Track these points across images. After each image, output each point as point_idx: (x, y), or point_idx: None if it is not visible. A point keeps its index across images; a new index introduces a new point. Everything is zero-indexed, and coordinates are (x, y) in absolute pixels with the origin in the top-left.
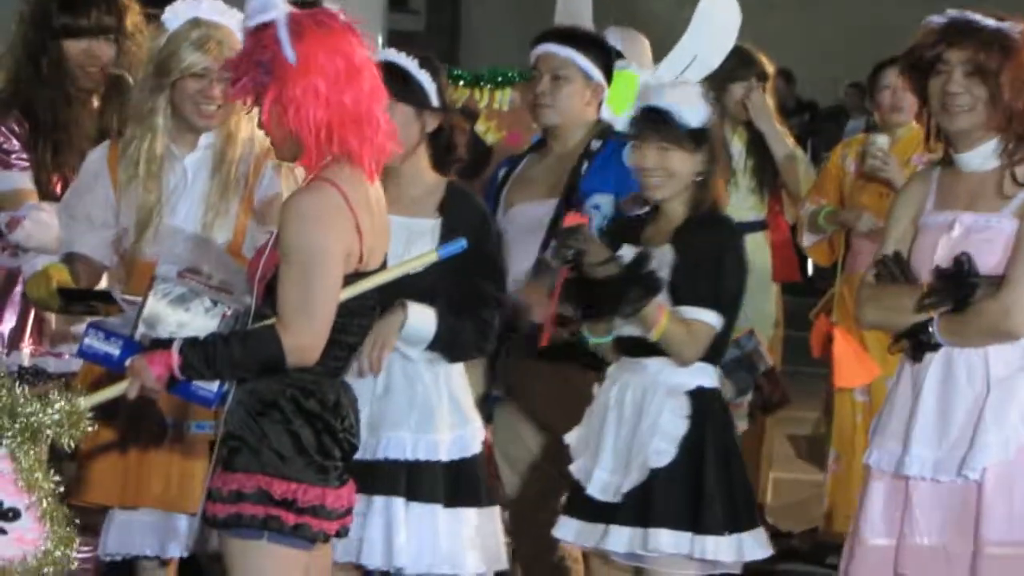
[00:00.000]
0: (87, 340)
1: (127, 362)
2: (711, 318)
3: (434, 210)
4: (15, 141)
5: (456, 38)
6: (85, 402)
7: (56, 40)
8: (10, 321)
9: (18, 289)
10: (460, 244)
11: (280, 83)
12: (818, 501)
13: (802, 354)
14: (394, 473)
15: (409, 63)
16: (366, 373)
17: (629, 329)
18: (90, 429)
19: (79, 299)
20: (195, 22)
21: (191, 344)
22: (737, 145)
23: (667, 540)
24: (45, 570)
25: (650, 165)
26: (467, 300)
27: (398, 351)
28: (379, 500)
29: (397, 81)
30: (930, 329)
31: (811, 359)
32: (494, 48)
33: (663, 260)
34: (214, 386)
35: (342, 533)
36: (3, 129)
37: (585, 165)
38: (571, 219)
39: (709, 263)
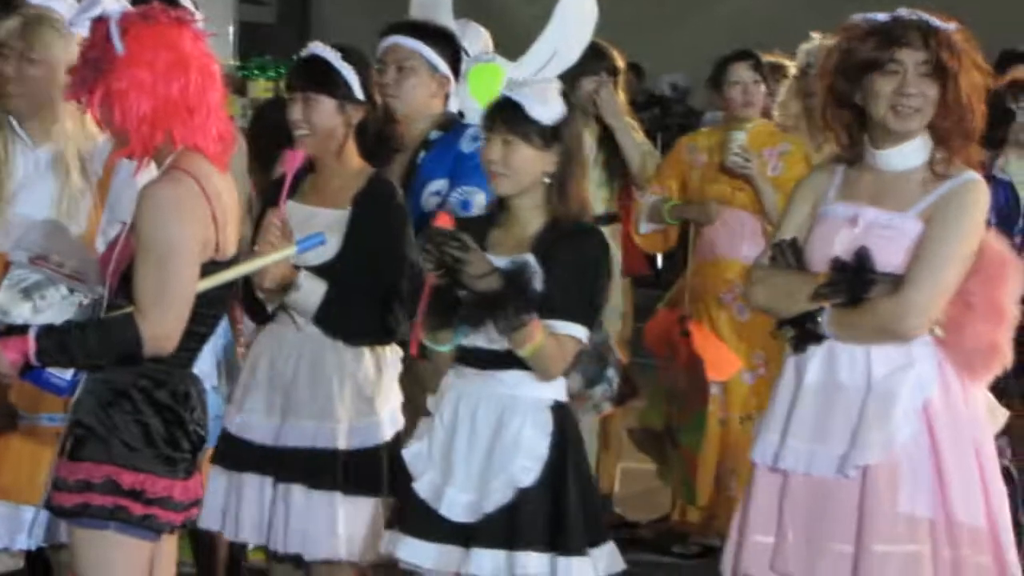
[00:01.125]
0: None
1: None
2: (580, 332)
3: (348, 202)
4: None
5: (306, 30)
6: None
7: None
8: None
9: None
10: (319, 238)
11: (107, 78)
12: (663, 491)
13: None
14: (294, 460)
15: (331, 55)
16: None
17: (483, 340)
18: None
19: None
20: (25, 5)
21: (47, 331)
22: (588, 140)
23: (534, 563)
24: None
25: (493, 157)
26: (370, 290)
27: (294, 323)
28: (281, 487)
29: (318, 73)
30: (818, 319)
31: (663, 352)
32: (345, 41)
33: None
34: (67, 374)
35: (188, 525)
36: None
37: (422, 154)
38: (441, 220)
39: (581, 277)
